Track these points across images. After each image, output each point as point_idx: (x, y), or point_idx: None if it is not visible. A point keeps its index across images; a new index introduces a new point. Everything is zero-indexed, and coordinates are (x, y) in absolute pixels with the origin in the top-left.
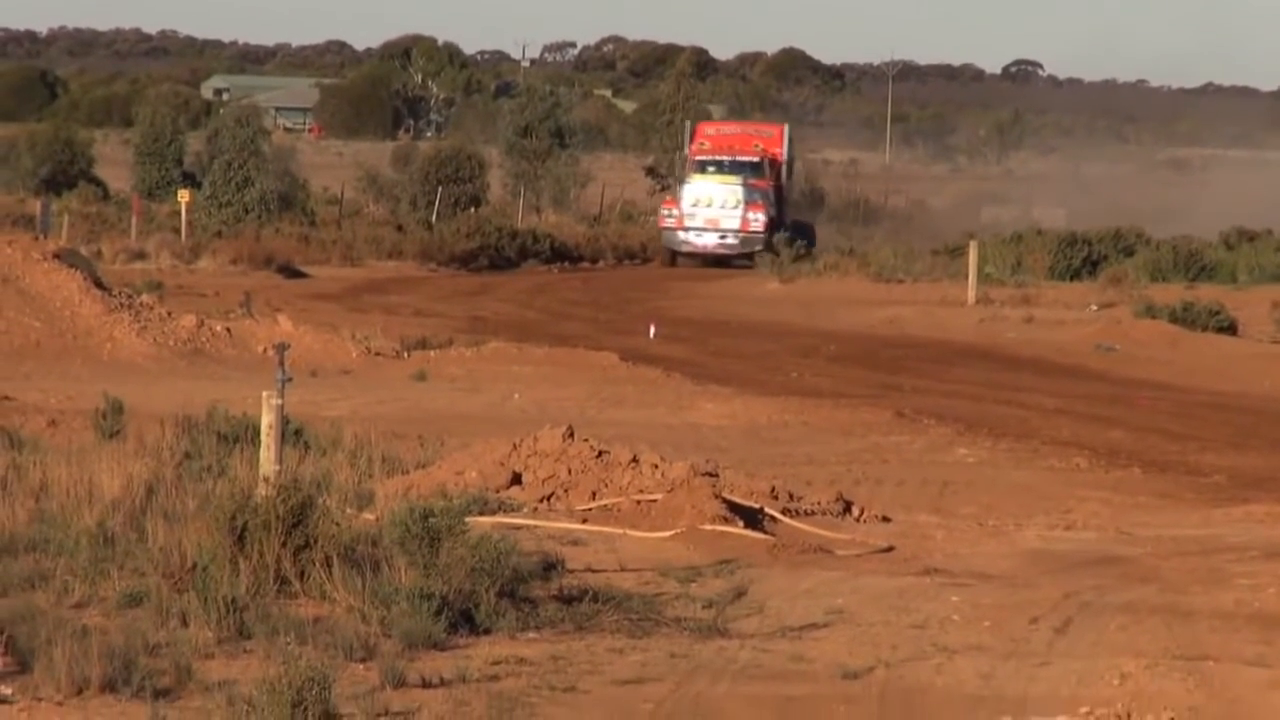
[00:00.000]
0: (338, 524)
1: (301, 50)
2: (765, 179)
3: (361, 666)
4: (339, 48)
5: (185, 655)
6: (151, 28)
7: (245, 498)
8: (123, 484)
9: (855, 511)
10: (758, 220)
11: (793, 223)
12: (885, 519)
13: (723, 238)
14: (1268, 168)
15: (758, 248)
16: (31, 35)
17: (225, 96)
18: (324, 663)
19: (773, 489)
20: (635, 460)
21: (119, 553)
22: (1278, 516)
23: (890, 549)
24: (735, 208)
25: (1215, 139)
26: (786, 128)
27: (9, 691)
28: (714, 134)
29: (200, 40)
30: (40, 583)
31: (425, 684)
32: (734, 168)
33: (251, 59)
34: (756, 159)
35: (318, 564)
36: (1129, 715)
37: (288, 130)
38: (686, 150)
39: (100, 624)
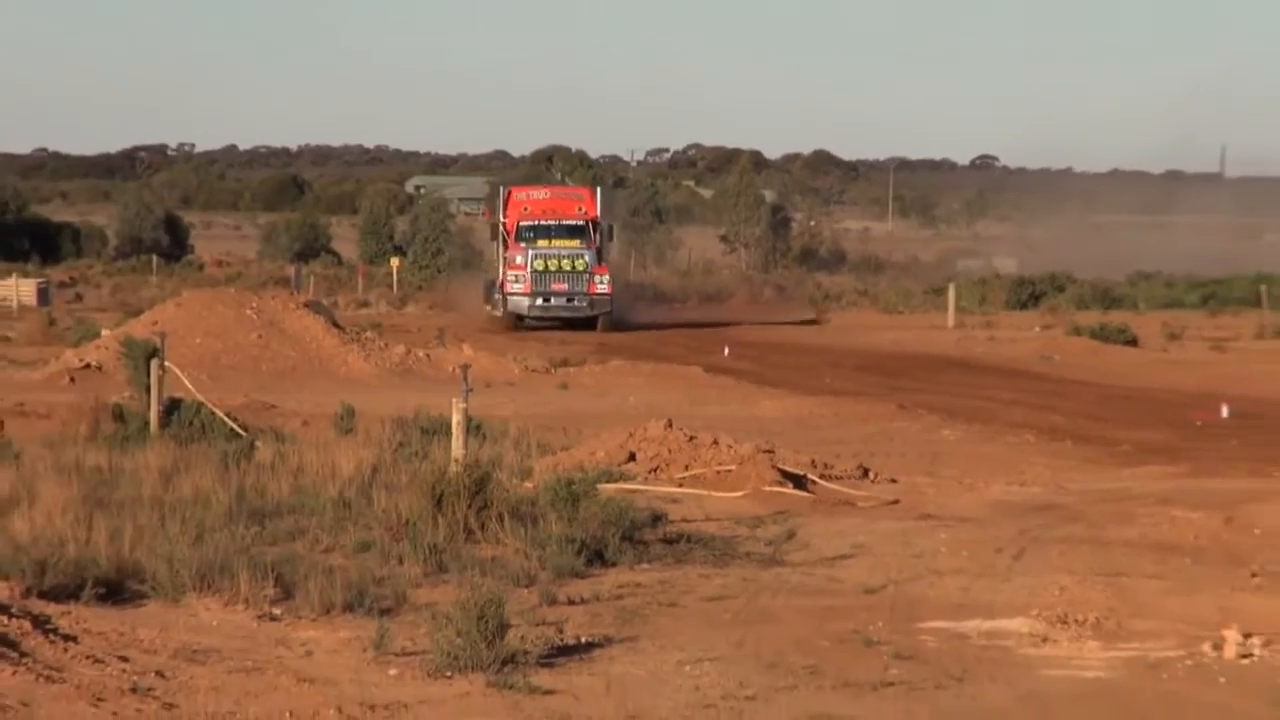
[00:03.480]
0: (507, 491)
1: (476, 157)
2: (592, 241)
3: (525, 591)
4: (503, 155)
5: (401, 585)
6: (370, 143)
7: (442, 473)
8: (355, 465)
9: (871, 476)
10: (604, 283)
11: None
12: (892, 480)
13: (570, 300)
14: (1159, 229)
15: (606, 310)
16: (286, 150)
17: (422, 191)
18: (499, 588)
19: (813, 461)
20: (716, 442)
21: (353, 513)
22: (1168, 474)
23: (896, 502)
24: (584, 272)
25: (1121, 208)
26: (599, 190)
27: (279, 612)
28: (526, 199)
29: (404, 151)
30: (298, 535)
31: (570, 602)
32: (565, 231)
33: (440, 164)
34: (582, 222)
35: (493, 519)
36: (1066, 615)
37: (467, 214)
38: (502, 216)
39: (341, 564)
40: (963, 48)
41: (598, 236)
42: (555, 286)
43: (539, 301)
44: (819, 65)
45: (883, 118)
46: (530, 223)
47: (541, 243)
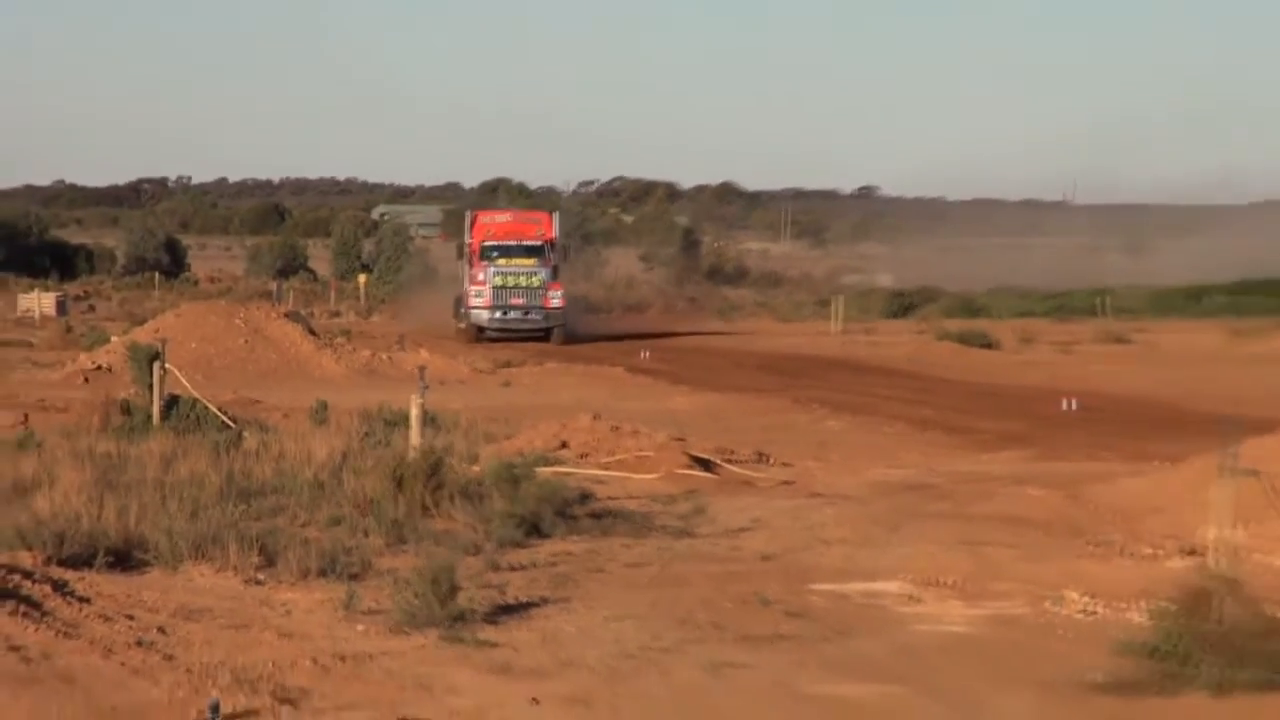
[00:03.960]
0: (457, 473)
1: (432, 188)
2: (549, 259)
3: (473, 559)
4: (455, 186)
5: (367, 554)
6: (341, 176)
7: (402, 459)
8: (328, 452)
9: (768, 460)
10: (557, 297)
11: None
12: (786, 464)
13: (527, 314)
14: (1014, 249)
15: (561, 323)
16: (269, 182)
17: (385, 218)
18: (450, 557)
19: (718, 448)
20: (636, 432)
21: (326, 493)
22: (1022, 458)
23: (790, 482)
24: (539, 288)
25: (982, 232)
26: (557, 214)
27: (262, 577)
28: (489, 222)
29: (371, 183)
30: (279, 512)
31: (511, 568)
32: (524, 251)
33: (401, 194)
34: (540, 243)
35: (446, 498)
36: (933, 578)
37: (424, 238)
38: (468, 237)
39: (316, 536)
40: (847, 92)
41: (554, 256)
42: (513, 301)
43: (498, 315)
44: (725, 108)
45: (780, 153)
46: (493, 243)
47: (502, 261)
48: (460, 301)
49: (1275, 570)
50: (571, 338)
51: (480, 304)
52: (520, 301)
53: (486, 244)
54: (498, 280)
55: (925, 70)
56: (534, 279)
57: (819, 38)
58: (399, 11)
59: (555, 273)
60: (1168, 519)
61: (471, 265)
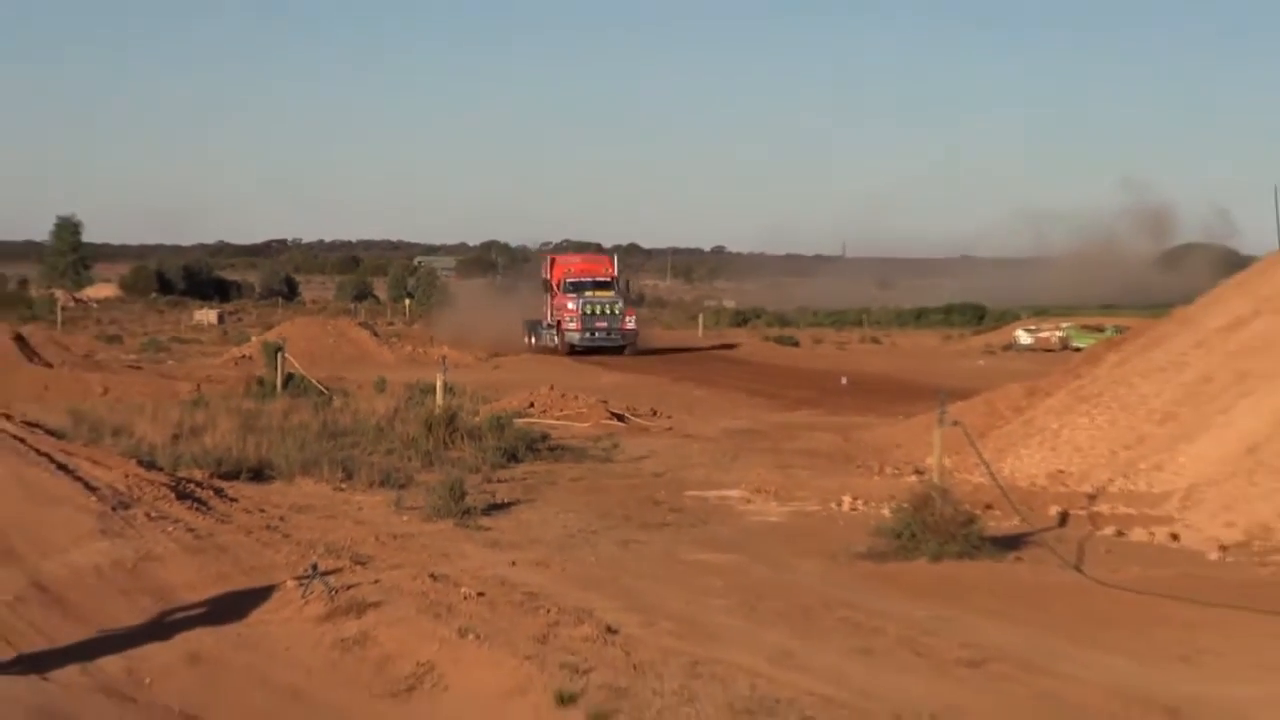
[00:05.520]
0: (465, 421)
1: (450, 246)
2: (619, 292)
3: (475, 475)
4: (464, 245)
5: (409, 472)
6: (395, 238)
7: (431, 413)
8: (387, 408)
9: (658, 414)
10: (632, 322)
11: None
12: (669, 417)
13: (609, 334)
14: (809, 286)
15: (633, 341)
16: (349, 242)
17: (421, 264)
18: (461, 474)
19: (628, 406)
20: (576, 397)
21: (384, 434)
22: (814, 413)
23: (671, 428)
24: (618, 315)
25: (788, 274)
26: (616, 257)
27: (344, 486)
28: (565, 263)
29: (411, 242)
30: (355, 446)
31: (498, 481)
32: (598, 285)
33: (430, 250)
34: (609, 279)
35: (459, 437)
36: (760, 488)
37: (446, 277)
38: (549, 275)
39: (378, 461)
40: (706, 183)
41: (620, 289)
42: (598, 325)
43: (587, 335)
44: (630, 193)
45: (663, 223)
46: (575, 279)
47: (587, 294)
48: (536, 325)
49: (970, 484)
50: (637, 351)
51: (573, 327)
52: (604, 325)
53: (569, 280)
54: (586, 309)
55: (755, 165)
56: (614, 308)
57: (692, 140)
58: (438, 126)
59: (627, 302)
60: (905, 451)
61: (554, 296)
